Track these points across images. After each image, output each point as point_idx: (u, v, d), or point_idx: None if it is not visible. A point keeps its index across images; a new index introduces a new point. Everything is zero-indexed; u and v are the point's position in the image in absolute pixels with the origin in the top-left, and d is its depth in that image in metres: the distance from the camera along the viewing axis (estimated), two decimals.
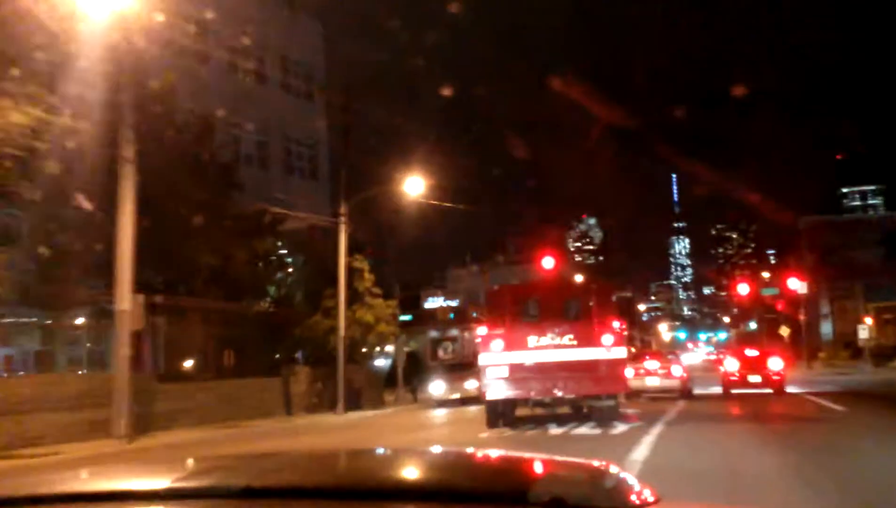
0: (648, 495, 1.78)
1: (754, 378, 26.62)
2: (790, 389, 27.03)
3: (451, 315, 54.92)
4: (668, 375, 24.70)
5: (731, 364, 27.09)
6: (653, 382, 24.89)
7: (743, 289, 56.63)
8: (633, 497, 1.77)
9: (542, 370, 15.64)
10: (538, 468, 2.14)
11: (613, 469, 2.08)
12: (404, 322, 62.54)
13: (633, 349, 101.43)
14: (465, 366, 31.90)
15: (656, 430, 14.11)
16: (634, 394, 25.49)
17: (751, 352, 28.23)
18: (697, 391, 27.53)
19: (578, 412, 17.76)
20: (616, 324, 16.00)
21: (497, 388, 15.91)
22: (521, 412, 18.19)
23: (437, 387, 32.14)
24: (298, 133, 43.35)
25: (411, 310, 70.38)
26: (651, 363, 25.51)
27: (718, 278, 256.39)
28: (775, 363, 26.68)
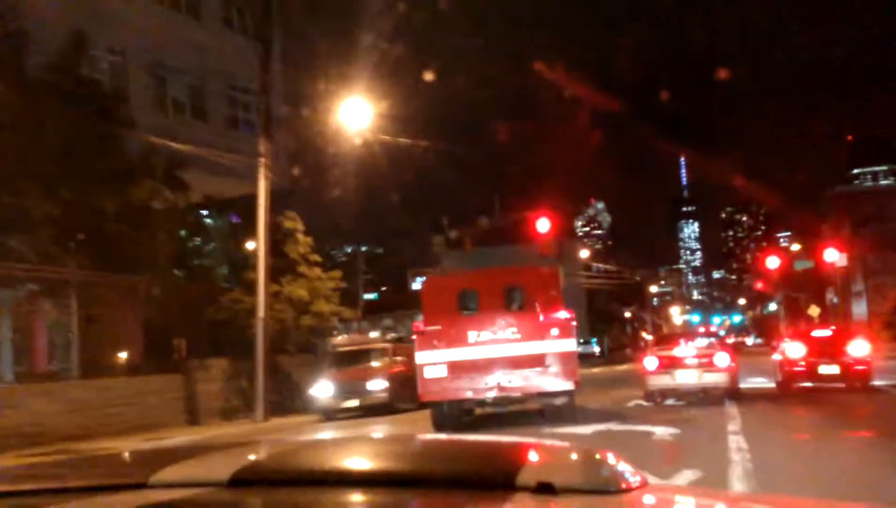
0: (637, 478, 1.70)
1: (828, 369, 18.32)
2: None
3: None
4: (711, 366, 16.38)
5: (795, 350, 18.79)
6: (687, 378, 16.54)
7: (773, 262, 48.33)
8: (622, 481, 1.67)
9: (484, 366, 14.04)
10: (525, 452, 1.96)
11: (602, 452, 1.89)
12: (372, 303, 54.63)
13: (644, 336, 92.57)
14: (368, 354, 21.75)
15: None
16: (659, 395, 17.26)
17: (821, 333, 19.93)
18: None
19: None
20: (563, 313, 14.13)
21: (435, 389, 14.11)
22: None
23: (322, 389, 21.03)
24: (245, 80, 34.92)
25: (399, 293, 62.31)
26: (684, 350, 17.20)
27: (730, 260, 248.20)
28: (859, 348, 18.39)
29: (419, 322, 14.67)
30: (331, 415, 20.45)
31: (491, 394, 14.05)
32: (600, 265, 64.77)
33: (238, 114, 34.26)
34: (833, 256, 46.92)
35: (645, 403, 17.26)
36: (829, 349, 18.50)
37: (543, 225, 29.80)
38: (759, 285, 50.75)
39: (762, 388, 20.64)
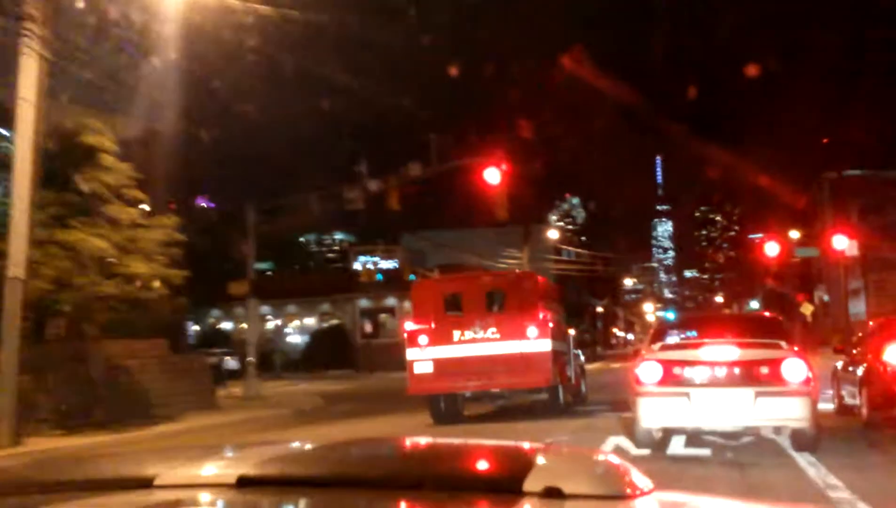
0: (645, 483, 1.65)
1: None
2: None
3: (379, 277, 38.27)
4: (773, 382, 7.95)
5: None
6: (724, 407, 8.03)
7: (772, 249, 40.63)
8: (630, 486, 1.63)
9: (467, 364, 14.42)
10: (533, 456, 1.89)
11: (610, 456, 1.89)
12: (300, 282, 45.85)
13: (616, 332, 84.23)
14: None
15: None
16: (660, 433, 8.88)
17: None
18: None
19: None
20: (542, 315, 14.43)
21: (422, 383, 14.66)
22: None
23: None
24: None
25: (341, 273, 53.81)
26: (718, 349, 8.71)
27: (702, 259, 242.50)
28: None
29: (409, 321, 15.18)
30: None
31: (472, 389, 14.74)
32: (571, 249, 56.66)
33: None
34: (842, 243, 39.25)
35: (633, 448, 8.91)
36: None
37: (493, 176, 21.66)
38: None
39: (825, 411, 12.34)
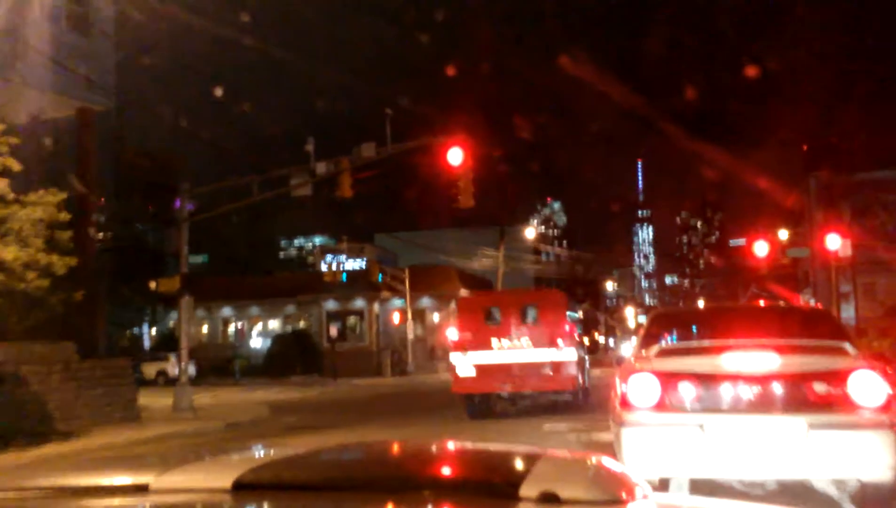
0: (642, 489, 1.64)
1: None
2: None
3: (343, 277, 35.30)
4: (841, 404, 4.94)
5: None
6: (755, 459, 5.12)
7: (761, 249, 38.17)
8: (626, 491, 1.60)
9: (504, 369, 16.41)
10: (530, 461, 1.86)
11: (607, 461, 1.86)
12: (199, 270, 42.55)
13: (598, 337, 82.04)
14: None
15: None
16: (661, 486, 6.03)
17: None
18: None
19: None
20: (568, 327, 16.64)
21: (465, 384, 16.62)
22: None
23: None
24: None
25: (307, 274, 50.82)
26: (747, 357, 5.27)
27: (683, 265, 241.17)
28: None
29: (454, 330, 17.68)
30: None
31: (508, 391, 16.72)
32: (549, 249, 53.95)
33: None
34: (835, 243, 36.76)
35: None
36: None
37: (455, 156, 18.94)
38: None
39: None
